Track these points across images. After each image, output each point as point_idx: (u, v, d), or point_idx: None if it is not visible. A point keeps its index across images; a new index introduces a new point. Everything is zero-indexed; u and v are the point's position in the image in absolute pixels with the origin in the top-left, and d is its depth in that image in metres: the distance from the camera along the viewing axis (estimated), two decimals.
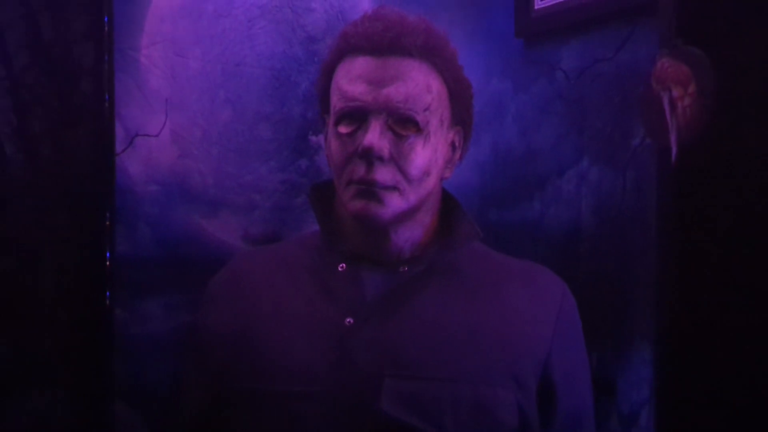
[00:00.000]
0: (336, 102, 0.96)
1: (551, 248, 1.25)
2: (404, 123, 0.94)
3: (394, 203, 0.94)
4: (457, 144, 1.02)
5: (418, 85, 0.94)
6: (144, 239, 1.18)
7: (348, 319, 0.94)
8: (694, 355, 0.76)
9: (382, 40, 0.94)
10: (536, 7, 1.29)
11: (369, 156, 0.92)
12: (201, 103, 1.25)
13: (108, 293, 1.03)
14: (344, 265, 0.99)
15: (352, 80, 0.94)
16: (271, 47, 1.29)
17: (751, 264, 0.70)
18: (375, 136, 0.92)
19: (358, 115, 0.94)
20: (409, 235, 0.99)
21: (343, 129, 0.95)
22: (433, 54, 0.96)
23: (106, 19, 1.05)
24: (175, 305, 1.21)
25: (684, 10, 0.69)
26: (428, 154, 0.95)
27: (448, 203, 1.03)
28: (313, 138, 1.34)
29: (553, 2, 1.26)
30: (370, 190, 0.93)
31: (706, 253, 0.71)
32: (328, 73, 1.00)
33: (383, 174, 0.93)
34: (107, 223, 1.03)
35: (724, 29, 0.67)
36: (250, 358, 0.96)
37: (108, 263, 1.02)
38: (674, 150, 0.66)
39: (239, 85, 1.28)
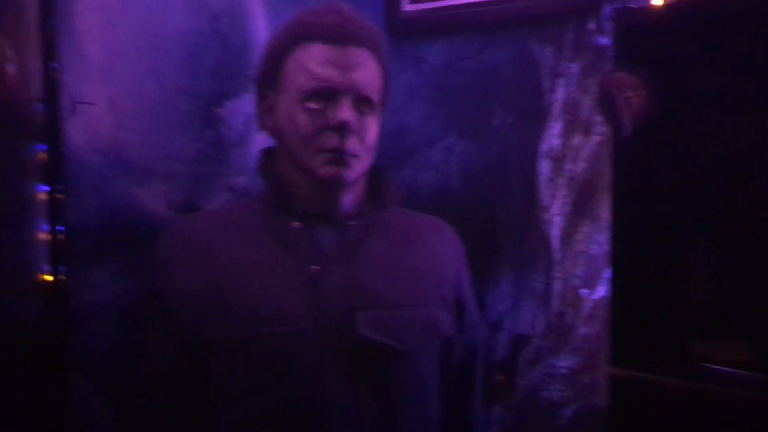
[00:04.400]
0: (304, 81, 1.11)
1: (422, 206, 1.54)
2: (363, 102, 1.14)
3: (357, 168, 1.14)
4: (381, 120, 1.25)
5: (373, 71, 1.15)
6: (90, 209, 1.15)
7: (313, 267, 1.12)
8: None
9: (343, 32, 1.13)
10: (403, 9, 1.55)
11: (343, 129, 1.10)
12: (129, 73, 1.25)
13: (64, 265, 0.99)
14: (298, 223, 1.15)
15: (322, 64, 1.11)
16: (187, 21, 1.33)
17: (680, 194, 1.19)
18: (347, 112, 1.10)
19: (327, 94, 1.11)
20: (353, 196, 1.20)
21: (312, 105, 1.11)
22: (376, 45, 1.18)
23: None
24: (118, 272, 1.20)
25: (633, 41, 1.07)
26: (376, 128, 1.18)
27: (372, 169, 1.26)
28: (218, 110, 1.42)
29: (420, 7, 1.53)
30: (341, 157, 1.11)
31: (649, 190, 1.13)
32: (280, 54, 1.14)
33: (352, 144, 1.12)
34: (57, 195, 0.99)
35: (658, 54, 1.07)
36: (230, 309, 1.06)
37: (63, 235, 0.98)
38: (628, 129, 1.02)
39: (159, 57, 1.31)
